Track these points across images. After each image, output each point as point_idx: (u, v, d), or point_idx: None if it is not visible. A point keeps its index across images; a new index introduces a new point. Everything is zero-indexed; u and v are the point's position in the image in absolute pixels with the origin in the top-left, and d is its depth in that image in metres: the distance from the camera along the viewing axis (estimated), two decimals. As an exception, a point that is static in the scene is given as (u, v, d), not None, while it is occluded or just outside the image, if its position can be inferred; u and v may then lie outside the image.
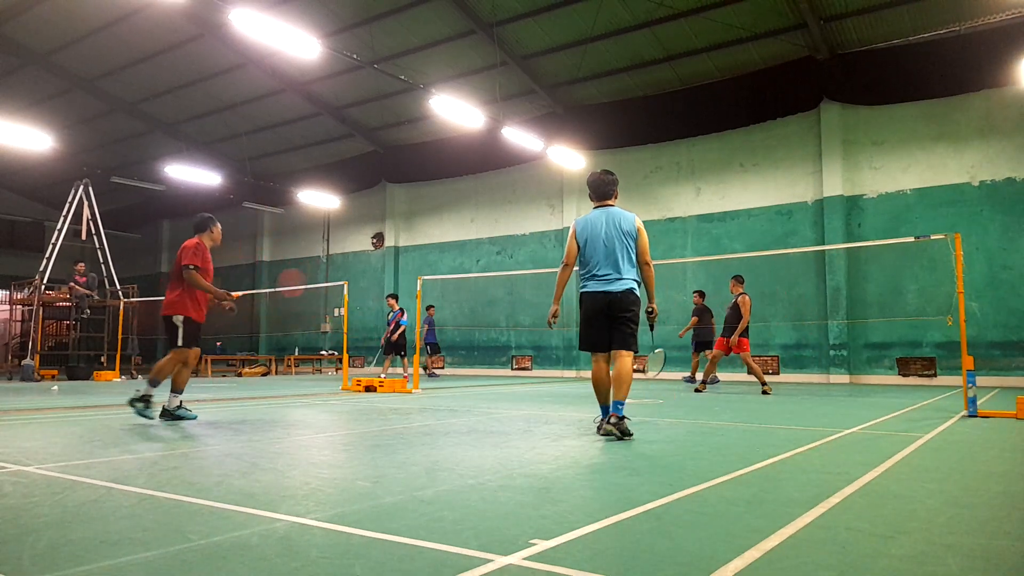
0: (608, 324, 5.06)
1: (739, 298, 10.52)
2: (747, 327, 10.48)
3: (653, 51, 15.69)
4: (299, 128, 21.33)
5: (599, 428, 5.05)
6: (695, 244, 16.59)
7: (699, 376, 12.28)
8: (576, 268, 5.33)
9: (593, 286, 5.12)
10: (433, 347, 17.93)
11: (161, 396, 6.20)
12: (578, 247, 5.26)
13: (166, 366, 6.12)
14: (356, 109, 19.98)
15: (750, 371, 10.57)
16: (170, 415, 6.15)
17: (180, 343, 6.14)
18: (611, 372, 5.05)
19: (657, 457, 4.07)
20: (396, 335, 14.81)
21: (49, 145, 15.70)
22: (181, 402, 6.25)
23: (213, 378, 16.88)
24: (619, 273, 5.10)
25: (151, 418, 6.05)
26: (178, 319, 6.16)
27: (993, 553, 2.15)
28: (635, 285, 5.15)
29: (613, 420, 4.84)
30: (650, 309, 5.23)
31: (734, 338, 10.42)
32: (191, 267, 6.15)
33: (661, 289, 16.48)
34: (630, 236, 5.21)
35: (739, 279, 10.88)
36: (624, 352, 5.01)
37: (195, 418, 6.22)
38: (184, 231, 28.29)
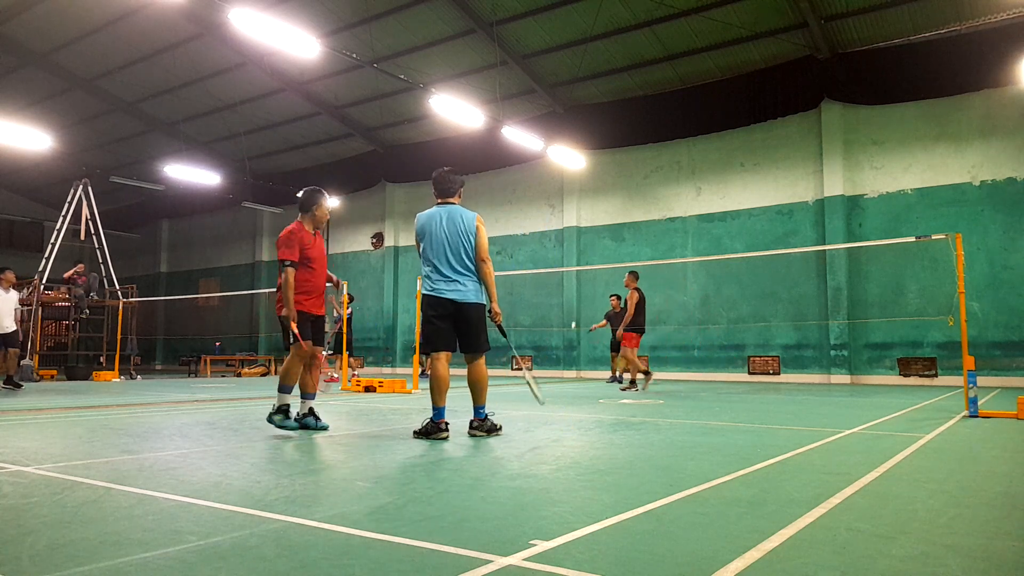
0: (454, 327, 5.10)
1: (630, 294, 10.87)
2: (639, 323, 10.80)
3: (653, 51, 15.68)
4: (299, 128, 21.33)
5: (439, 430, 4.88)
6: (695, 244, 16.58)
7: (626, 376, 12.30)
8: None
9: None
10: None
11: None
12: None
13: (288, 367, 5.37)
14: (356, 108, 19.97)
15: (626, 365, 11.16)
16: (297, 422, 5.41)
17: (291, 340, 5.28)
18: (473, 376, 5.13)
19: (657, 457, 4.06)
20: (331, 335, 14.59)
21: (49, 145, 15.70)
22: (311, 408, 5.50)
23: (212, 378, 16.88)
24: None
25: (292, 428, 5.30)
26: (285, 317, 5.33)
27: (994, 553, 2.14)
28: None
29: (477, 424, 5.08)
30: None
31: (620, 331, 10.83)
32: (286, 263, 5.26)
33: (663, 289, 16.54)
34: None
35: (634, 275, 11.11)
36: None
37: (325, 428, 5.45)
38: (183, 231, 28.30)
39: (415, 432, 4.97)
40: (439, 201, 5.24)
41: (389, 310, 21.75)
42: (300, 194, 5.67)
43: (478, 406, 5.12)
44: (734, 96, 15.73)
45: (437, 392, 4.94)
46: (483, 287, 5.11)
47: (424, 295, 5.09)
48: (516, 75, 17.09)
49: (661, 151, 17.19)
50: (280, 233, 5.43)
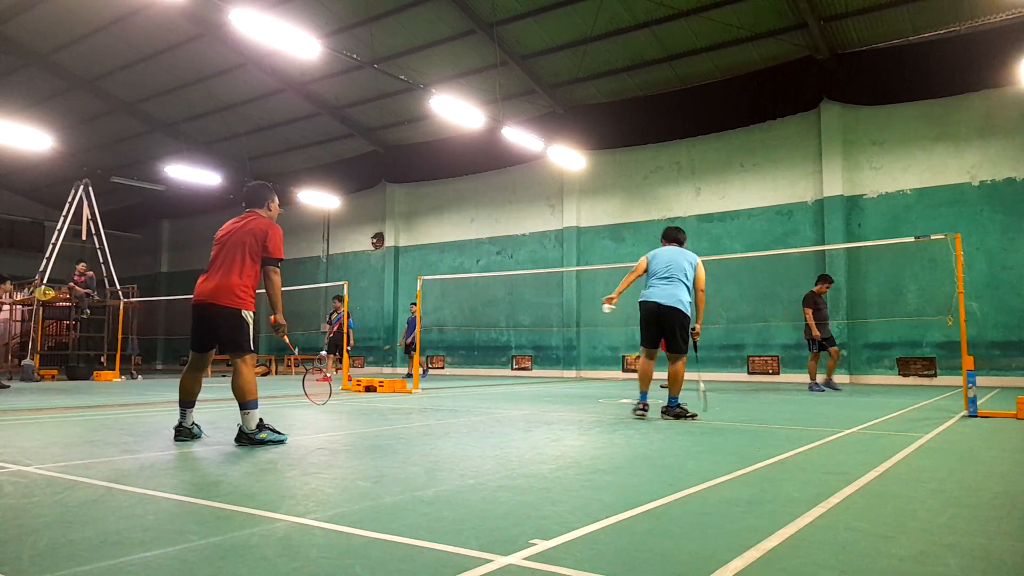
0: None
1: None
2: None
3: (653, 51, 15.69)
4: (299, 128, 21.33)
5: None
6: (695, 244, 16.54)
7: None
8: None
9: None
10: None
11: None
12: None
13: (252, 378, 4.81)
14: (356, 109, 19.97)
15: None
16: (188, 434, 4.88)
17: (251, 346, 4.85)
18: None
19: (657, 457, 4.07)
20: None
21: (49, 145, 15.69)
22: (185, 421, 4.96)
23: (213, 378, 16.87)
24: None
25: (282, 439, 4.75)
26: (248, 315, 4.78)
27: (993, 553, 2.15)
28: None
29: (666, 409, 6.36)
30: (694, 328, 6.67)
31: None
32: (279, 264, 4.90)
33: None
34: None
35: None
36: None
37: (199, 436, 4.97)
38: (183, 231, 28.27)
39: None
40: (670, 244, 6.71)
41: (389, 310, 21.75)
42: (252, 188, 5.35)
43: (670, 396, 6.36)
44: (733, 96, 15.72)
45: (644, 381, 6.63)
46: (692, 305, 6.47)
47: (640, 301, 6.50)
48: (516, 75, 17.10)
49: (661, 151, 17.20)
50: (276, 228, 5.07)
